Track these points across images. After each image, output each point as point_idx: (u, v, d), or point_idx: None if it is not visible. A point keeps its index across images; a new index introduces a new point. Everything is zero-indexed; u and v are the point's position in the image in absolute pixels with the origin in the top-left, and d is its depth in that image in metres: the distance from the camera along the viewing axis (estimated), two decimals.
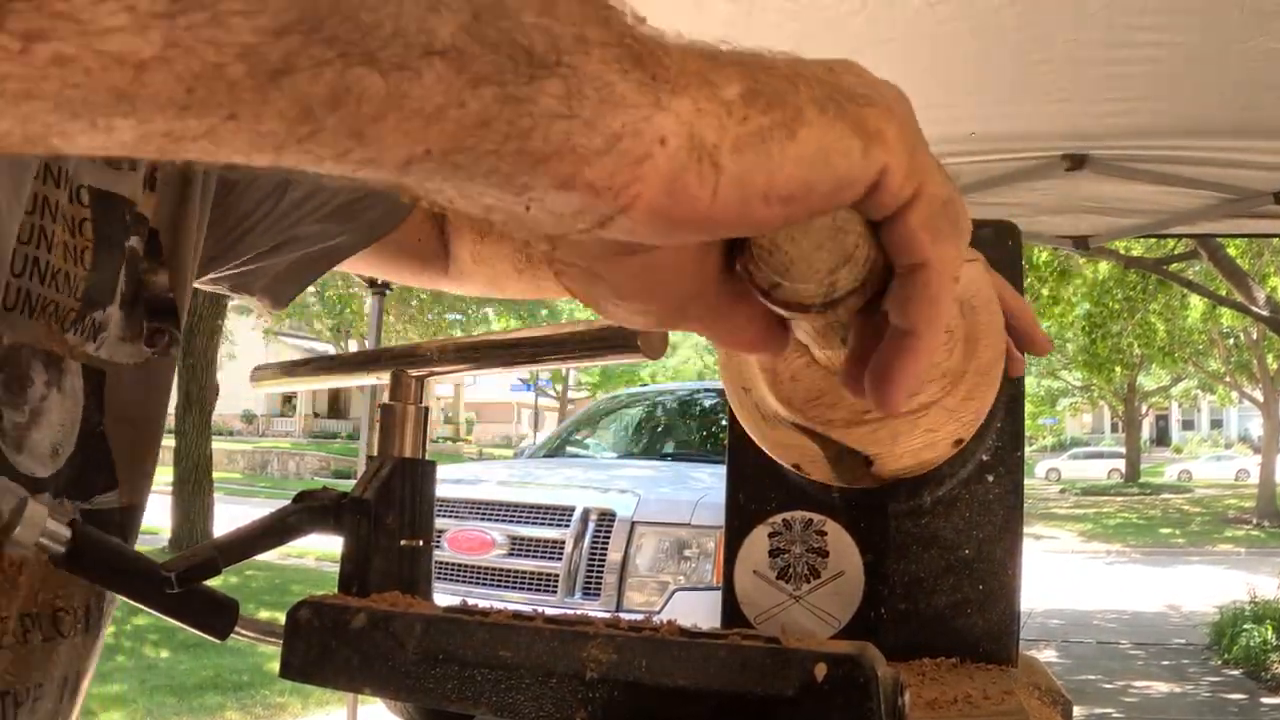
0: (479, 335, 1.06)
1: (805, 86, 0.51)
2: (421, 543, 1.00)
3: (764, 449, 0.99)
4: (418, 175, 0.42)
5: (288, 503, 1.01)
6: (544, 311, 36.05)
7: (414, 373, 1.04)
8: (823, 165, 0.50)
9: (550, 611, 0.82)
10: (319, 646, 0.85)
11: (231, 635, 1.03)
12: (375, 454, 1.02)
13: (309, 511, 1.00)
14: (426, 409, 1.04)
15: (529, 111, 0.41)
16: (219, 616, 1.00)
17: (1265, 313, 14.21)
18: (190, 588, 0.96)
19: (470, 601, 0.88)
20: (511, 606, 0.90)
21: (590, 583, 6.25)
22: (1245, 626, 12.24)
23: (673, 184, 0.46)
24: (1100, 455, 51.72)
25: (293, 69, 0.36)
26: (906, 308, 0.57)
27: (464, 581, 6.48)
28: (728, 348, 0.64)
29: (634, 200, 0.46)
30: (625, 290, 0.57)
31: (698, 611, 5.88)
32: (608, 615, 0.83)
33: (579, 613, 0.85)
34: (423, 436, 1.03)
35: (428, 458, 1.04)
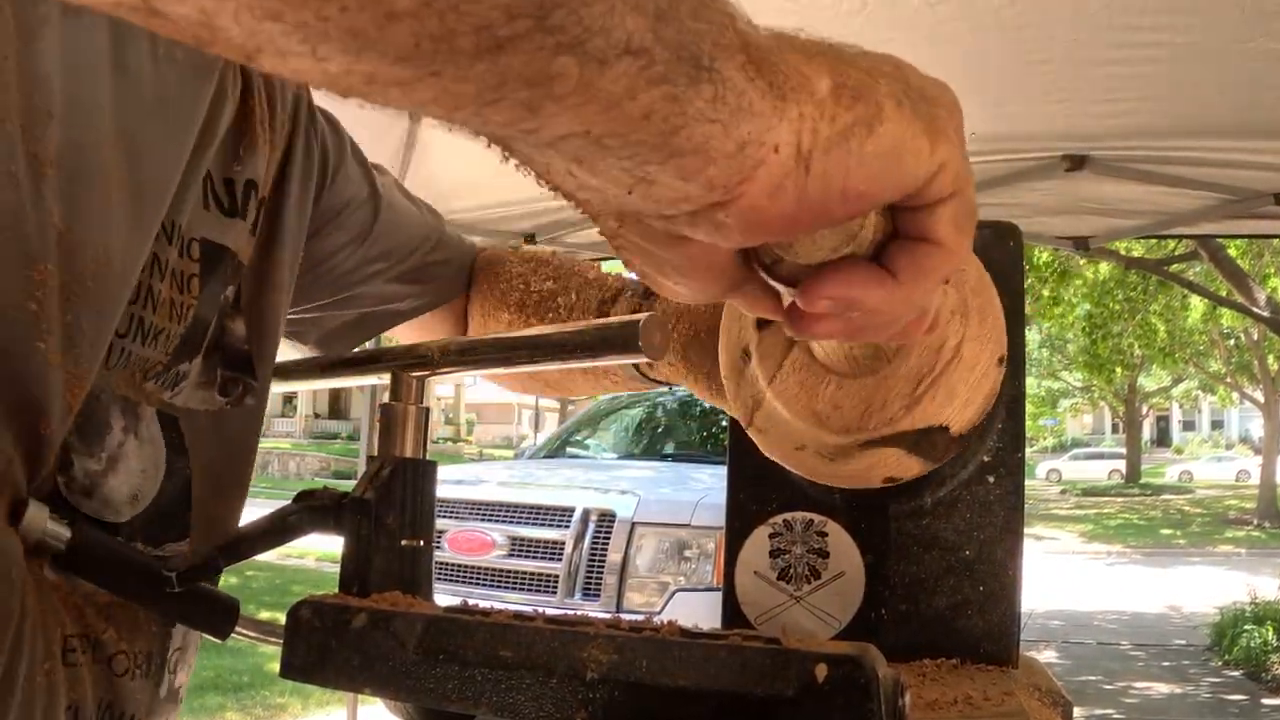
0: (479, 336, 1.06)
1: (884, 82, 0.53)
2: (422, 543, 1.00)
3: (853, 485, 0.99)
4: (562, 149, 0.45)
5: (288, 503, 1.01)
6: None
7: (414, 373, 1.03)
8: (895, 162, 0.52)
9: (551, 612, 0.82)
10: (319, 646, 0.85)
11: (232, 635, 1.03)
12: (376, 454, 1.01)
13: (309, 511, 0.99)
14: (427, 409, 1.03)
15: (684, 111, 0.44)
16: (220, 616, 1.00)
17: (1266, 313, 14.20)
18: (191, 588, 0.96)
19: (471, 602, 0.88)
20: (513, 607, 0.90)
21: (590, 583, 6.25)
22: (1246, 627, 12.24)
23: (775, 188, 0.49)
24: (1101, 456, 51.70)
25: (512, 49, 0.39)
26: (901, 264, 0.58)
27: (464, 582, 6.48)
28: (765, 314, 0.64)
29: (738, 199, 0.48)
30: (675, 267, 0.58)
31: (698, 612, 5.88)
32: (609, 616, 0.82)
33: (580, 613, 0.85)
34: (424, 437, 1.02)
35: (428, 458, 1.03)
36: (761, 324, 0.97)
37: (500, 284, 1.41)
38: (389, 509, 0.98)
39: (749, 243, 0.54)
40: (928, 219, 0.56)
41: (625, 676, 0.73)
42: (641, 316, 0.91)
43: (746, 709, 0.69)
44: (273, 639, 1.01)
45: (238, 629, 1.02)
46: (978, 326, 0.95)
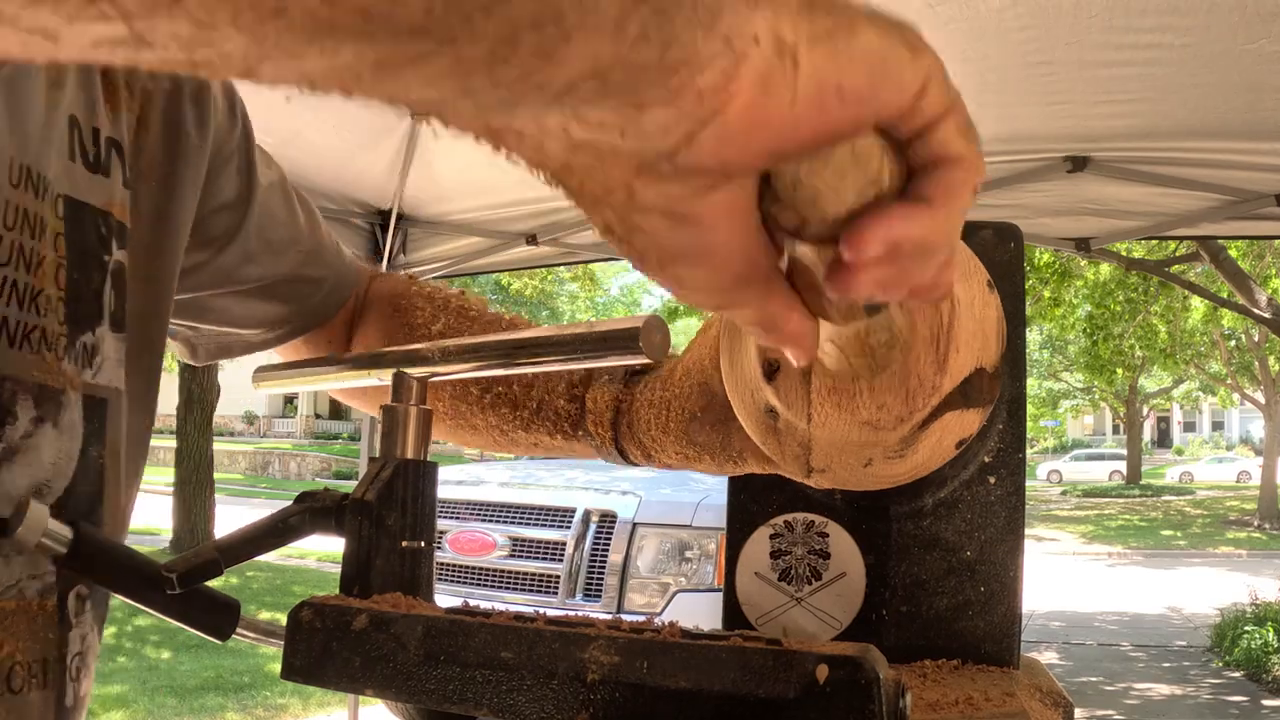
0: (481, 337, 1.05)
1: (855, 2, 0.52)
2: (423, 544, 0.99)
3: (931, 467, 0.98)
4: (567, 101, 0.44)
5: (289, 504, 1.00)
6: (545, 312, 36.04)
7: (415, 374, 1.03)
8: (883, 64, 0.51)
9: (553, 613, 0.82)
10: (320, 648, 0.85)
11: (233, 636, 1.02)
12: (377, 455, 1.01)
13: (310, 512, 0.99)
14: (429, 411, 1.03)
15: (672, 21, 0.42)
16: (220, 617, 1.00)
17: (1267, 315, 14.19)
18: (191, 589, 0.96)
19: (472, 603, 0.88)
20: (514, 608, 0.90)
21: (591, 584, 6.25)
22: (1246, 629, 12.24)
23: (765, 82, 0.47)
24: (1101, 457, 51.71)
25: None
26: (930, 191, 0.57)
27: (465, 583, 6.48)
28: (771, 334, 0.63)
29: (729, 103, 0.46)
30: (687, 255, 0.56)
31: (699, 613, 5.88)
32: (610, 617, 0.82)
33: (581, 614, 0.85)
34: (425, 438, 1.02)
35: (429, 459, 1.03)
36: (769, 375, 0.96)
37: (415, 333, 1.30)
38: (390, 510, 0.97)
39: (759, 163, 0.52)
40: (938, 138, 0.56)
41: (627, 678, 0.73)
42: (643, 316, 0.90)
43: (748, 710, 0.70)
44: (273, 640, 1.01)
45: (238, 630, 1.02)
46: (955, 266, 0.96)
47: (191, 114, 1.15)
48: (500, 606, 0.89)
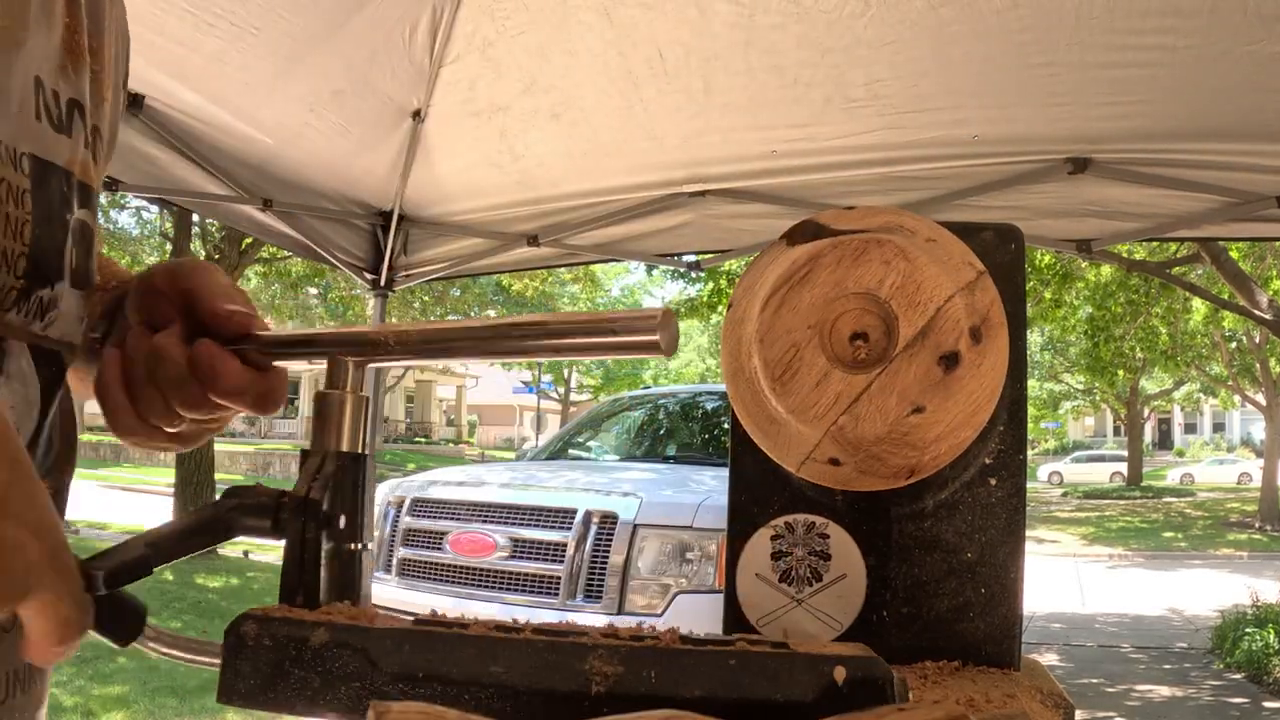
0: (445, 321, 1.01)
1: None
2: (363, 546, 0.93)
3: (994, 388, 0.97)
4: None
5: (220, 498, 0.92)
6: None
7: (353, 359, 0.96)
8: None
9: (535, 621, 0.79)
10: (270, 666, 0.79)
11: (148, 653, 0.91)
12: (313, 447, 0.93)
13: (245, 509, 0.90)
14: (366, 398, 0.96)
15: None
16: (122, 621, 0.86)
17: (1268, 316, 14.19)
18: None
19: (438, 611, 0.84)
20: (485, 614, 0.88)
21: (592, 585, 6.24)
22: (1247, 630, 12.23)
23: None
24: (1102, 459, 51.66)
25: None
26: None
27: (465, 584, 6.48)
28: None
29: None
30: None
31: (700, 615, 5.88)
32: (603, 624, 0.80)
33: (565, 622, 0.82)
34: (363, 428, 0.95)
35: (365, 456, 0.96)
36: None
37: None
38: (337, 510, 0.90)
39: None
40: None
41: (634, 689, 0.71)
42: (659, 309, 0.84)
43: (766, 715, 0.69)
44: (191, 656, 0.90)
45: (151, 644, 0.90)
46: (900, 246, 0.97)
47: (120, 72, 1.18)
48: (474, 614, 0.84)
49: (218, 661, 0.83)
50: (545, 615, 6.03)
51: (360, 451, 0.94)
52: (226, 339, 1.02)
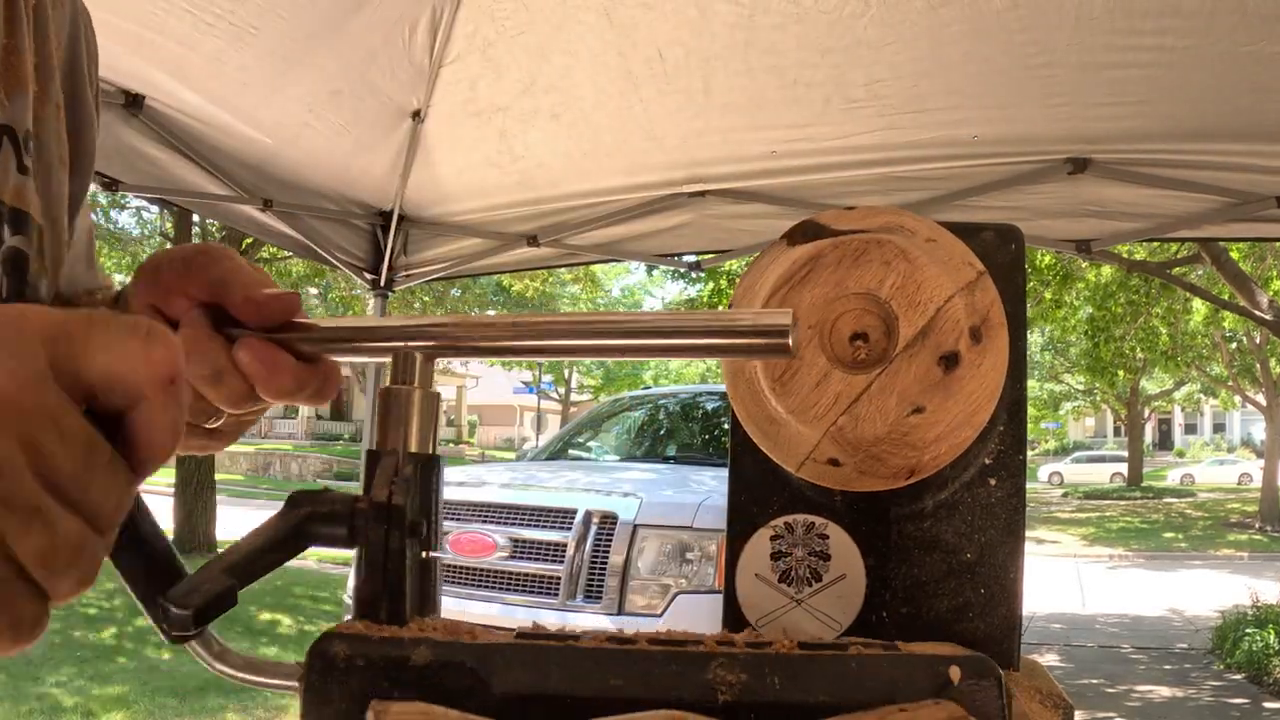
0: (546, 314, 0.92)
1: None
2: (437, 554, 0.86)
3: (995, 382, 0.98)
4: None
5: (285, 508, 0.85)
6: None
7: (422, 351, 0.88)
8: None
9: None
10: (364, 689, 0.73)
11: (229, 680, 0.87)
12: (378, 447, 0.86)
13: (319, 518, 0.83)
14: (437, 394, 0.88)
15: None
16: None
17: (1268, 316, 14.19)
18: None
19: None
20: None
21: (592, 586, 6.24)
22: (1248, 631, 12.23)
23: None
24: (1102, 459, 51.65)
25: None
26: None
27: (465, 584, 6.47)
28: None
29: None
30: None
31: (700, 615, 5.89)
32: (716, 633, 0.80)
33: (661, 630, 0.81)
34: (434, 427, 0.87)
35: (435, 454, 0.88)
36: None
37: None
38: (418, 515, 0.83)
39: None
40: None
41: (760, 696, 0.71)
42: (785, 310, 0.79)
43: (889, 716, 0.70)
44: (278, 681, 0.85)
45: (232, 672, 0.86)
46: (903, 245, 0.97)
47: (89, 78, 1.15)
48: (572, 627, 0.81)
49: (294, 684, 0.77)
50: (545, 616, 6.03)
51: (433, 452, 0.86)
52: (265, 328, 0.92)
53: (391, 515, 0.81)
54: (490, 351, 0.87)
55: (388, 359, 0.89)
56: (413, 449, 0.85)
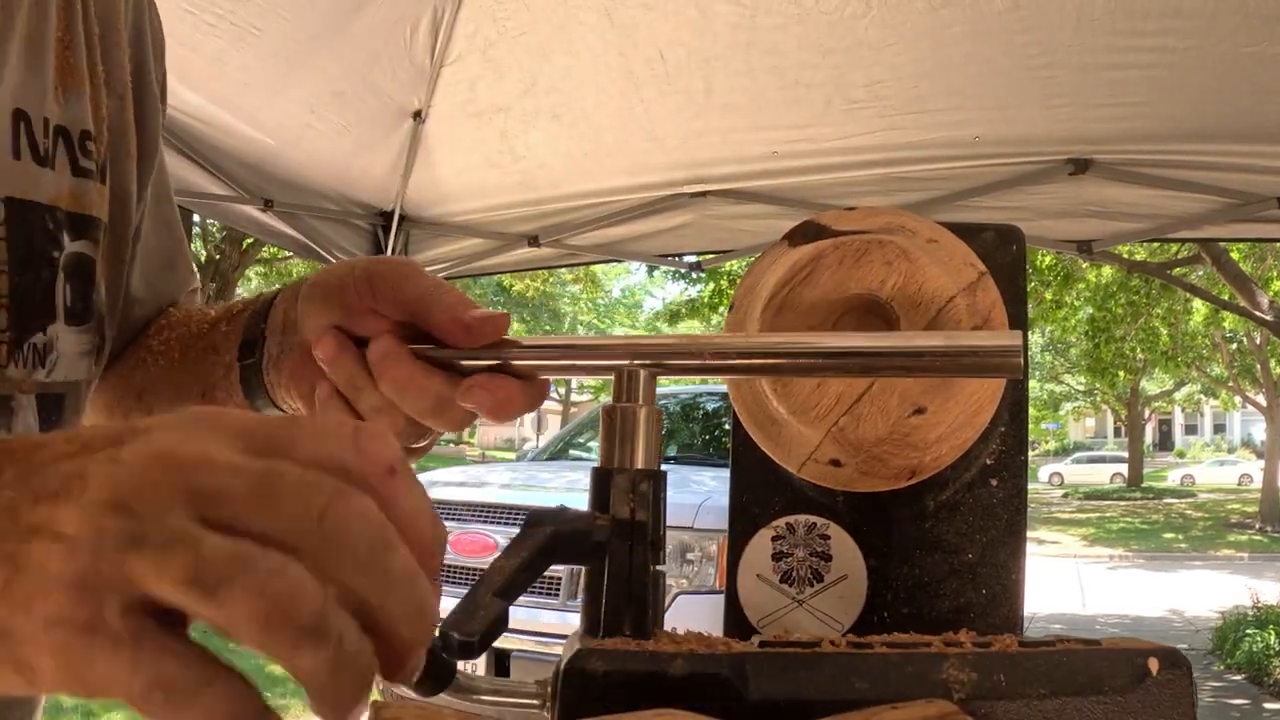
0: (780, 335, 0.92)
1: None
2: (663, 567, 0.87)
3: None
4: None
5: (527, 526, 0.85)
6: (545, 314, 35.96)
7: (645, 370, 0.88)
8: None
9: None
10: (621, 703, 0.74)
11: (469, 700, 0.83)
12: (611, 465, 0.86)
13: (565, 535, 0.84)
14: (660, 410, 0.88)
15: None
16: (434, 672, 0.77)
17: (1269, 317, 14.20)
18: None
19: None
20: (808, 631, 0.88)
21: None
22: (1248, 632, 12.23)
23: None
24: (1103, 460, 51.60)
25: None
26: None
27: (466, 584, 6.46)
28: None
29: None
30: None
31: (701, 616, 5.88)
32: (940, 636, 0.84)
33: (887, 634, 0.86)
34: (657, 443, 0.87)
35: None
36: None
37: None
38: (657, 531, 0.85)
39: None
40: None
41: (989, 694, 0.74)
42: (1010, 333, 0.81)
43: (1095, 705, 0.75)
44: (522, 702, 0.83)
45: (482, 699, 0.83)
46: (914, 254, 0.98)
47: (157, 75, 1.11)
48: (796, 634, 0.86)
49: (533, 702, 0.79)
50: (546, 616, 6.03)
51: (658, 469, 0.87)
52: (469, 349, 0.90)
53: (635, 532, 0.84)
54: (714, 370, 0.89)
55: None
56: (639, 465, 0.86)
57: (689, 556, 6.21)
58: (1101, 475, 48.29)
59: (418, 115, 5.15)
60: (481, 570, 0.82)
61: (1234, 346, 30.60)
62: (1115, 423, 57.00)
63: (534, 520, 0.83)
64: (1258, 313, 14.30)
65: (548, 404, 56.19)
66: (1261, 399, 30.43)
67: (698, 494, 6.61)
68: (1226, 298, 17.39)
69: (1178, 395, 48.82)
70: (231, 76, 4.55)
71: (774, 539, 1.06)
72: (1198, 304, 23.37)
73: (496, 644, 0.94)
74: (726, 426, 8.34)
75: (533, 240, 6.20)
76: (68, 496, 0.45)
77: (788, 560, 1.06)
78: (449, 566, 6.60)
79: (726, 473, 1.11)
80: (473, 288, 24.61)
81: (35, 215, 0.92)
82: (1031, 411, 1.16)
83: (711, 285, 17.09)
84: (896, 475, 0.97)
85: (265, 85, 4.66)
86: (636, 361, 0.87)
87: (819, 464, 0.99)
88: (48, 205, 0.93)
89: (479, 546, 6.54)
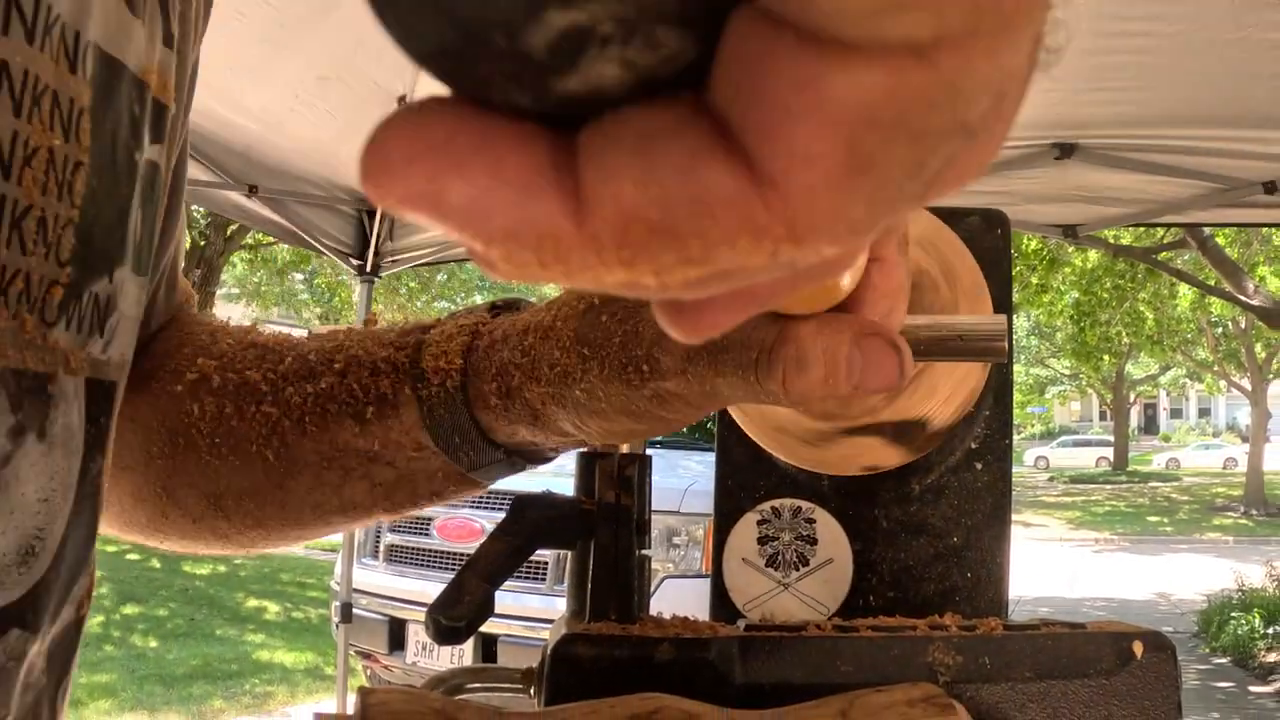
0: None
1: None
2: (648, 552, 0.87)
3: (832, 472, 0.99)
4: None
5: (513, 511, 0.84)
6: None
7: None
8: None
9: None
10: (605, 687, 0.74)
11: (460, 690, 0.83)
12: (592, 449, 0.85)
13: (551, 520, 0.84)
14: None
15: None
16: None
17: (1254, 302, 14.23)
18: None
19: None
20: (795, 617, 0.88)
21: None
22: (1233, 615, 12.28)
23: None
24: (1088, 444, 51.72)
25: None
26: None
27: (452, 569, 6.45)
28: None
29: None
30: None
31: (686, 600, 5.89)
32: (926, 619, 0.86)
33: (873, 619, 0.87)
34: None
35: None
36: None
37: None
38: (641, 515, 0.85)
39: None
40: None
41: (974, 676, 0.76)
42: (999, 317, 0.77)
43: (1081, 687, 0.76)
44: (503, 685, 0.84)
45: (467, 685, 0.84)
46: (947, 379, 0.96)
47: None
48: (781, 618, 0.87)
49: (517, 687, 0.80)
50: (532, 600, 6.03)
51: (643, 453, 0.87)
52: None
53: (620, 516, 0.84)
54: None
55: None
56: (623, 449, 0.86)
57: (675, 541, 6.21)
58: (1087, 459, 48.39)
59: (403, 100, 5.14)
60: (468, 555, 0.82)
61: (1219, 331, 30.67)
62: (1100, 407, 57.09)
63: (520, 505, 0.84)
64: (1243, 297, 14.33)
65: None
66: (1246, 383, 30.51)
67: (683, 478, 6.60)
68: (1212, 282, 17.42)
69: (1163, 379, 48.93)
70: (215, 61, 4.53)
71: (759, 523, 1.06)
72: (1183, 288, 23.41)
73: (483, 628, 0.94)
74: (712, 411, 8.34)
75: None
76: None
77: (773, 544, 1.06)
78: (434, 551, 6.61)
79: (712, 457, 1.11)
80: (458, 273, 24.55)
81: (124, 85, 0.61)
82: (1017, 396, 1.15)
83: None
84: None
85: (249, 70, 4.65)
86: None
87: (803, 448, 0.99)
88: (137, 75, 0.62)
89: (465, 531, 6.54)
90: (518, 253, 0.27)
